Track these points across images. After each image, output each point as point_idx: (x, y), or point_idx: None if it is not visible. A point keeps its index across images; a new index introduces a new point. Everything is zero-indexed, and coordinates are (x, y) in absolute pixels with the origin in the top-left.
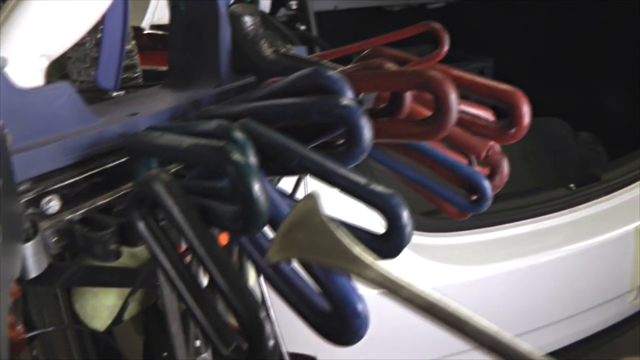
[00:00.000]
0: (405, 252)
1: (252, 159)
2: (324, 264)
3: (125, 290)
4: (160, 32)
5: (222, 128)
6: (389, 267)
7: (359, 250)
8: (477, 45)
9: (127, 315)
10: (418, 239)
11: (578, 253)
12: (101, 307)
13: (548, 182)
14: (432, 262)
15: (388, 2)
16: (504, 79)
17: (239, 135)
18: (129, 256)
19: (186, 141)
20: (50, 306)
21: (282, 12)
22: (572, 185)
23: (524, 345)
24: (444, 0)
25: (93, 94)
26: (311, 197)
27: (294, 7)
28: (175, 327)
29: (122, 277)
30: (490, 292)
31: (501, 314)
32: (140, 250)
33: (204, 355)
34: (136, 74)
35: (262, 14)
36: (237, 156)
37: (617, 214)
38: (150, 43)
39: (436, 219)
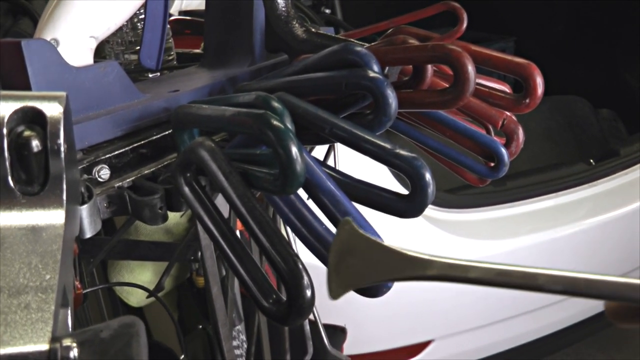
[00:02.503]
0: (430, 228)
1: (290, 125)
2: (386, 280)
3: (160, 267)
4: (187, 18)
5: (261, 98)
6: (417, 244)
7: (413, 253)
8: (499, 26)
9: (161, 292)
10: (443, 215)
11: (598, 226)
12: (137, 282)
13: (569, 158)
14: (457, 238)
15: None
16: (525, 59)
17: (276, 104)
18: (164, 232)
19: (228, 111)
20: (87, 282)
21: None
22: (591, 160)
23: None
24: None
25: (131, 76)
26: (346, 223)
27: None
28: (215, 289)
29: (158, 250)
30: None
31: None
32: (174, 226)
33: (238, 327)
34: (171, 57)
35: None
36: (276, 122)
37: (636, 188)
38: (178, 28)
39: (460, 196)
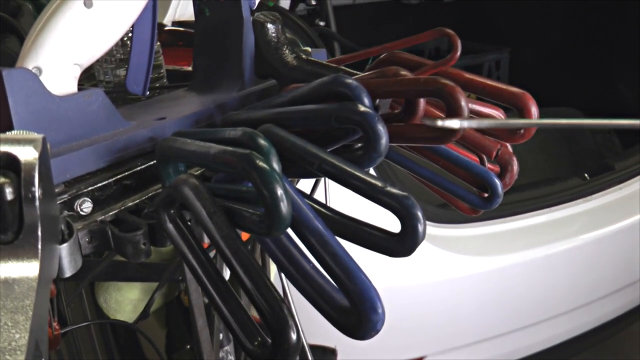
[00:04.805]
0: (423, 243)
1: (276, 166)
2: None
3: (148, 285)
4: (181, 29)
5: (247, 135)
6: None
7: None
8: (494, 36)
9: (151, 309)
10: (435, 230)
11: (593, 242)
12: (125, 301)
13: (563, 172)
14: (450, 254)
15: None
16: (520, 70)
17: (263, 142)
18: (152, 251)
19: (213, 148)
20: (74, 302)
21: (302, 6)
22: (586, 175)
23: None
24: None
25: (119, 95)
26: None
27: (314, 2)
28: (201, 322)
29: (146, 271)
30: (507, 282)
31: (518, 304)
32: None
33: (227, 347)
34: (161, 74)
35: (283, 14)
36: (261, 163)
37: (631, 202)
38: (171, 39)
39: (453, 211)
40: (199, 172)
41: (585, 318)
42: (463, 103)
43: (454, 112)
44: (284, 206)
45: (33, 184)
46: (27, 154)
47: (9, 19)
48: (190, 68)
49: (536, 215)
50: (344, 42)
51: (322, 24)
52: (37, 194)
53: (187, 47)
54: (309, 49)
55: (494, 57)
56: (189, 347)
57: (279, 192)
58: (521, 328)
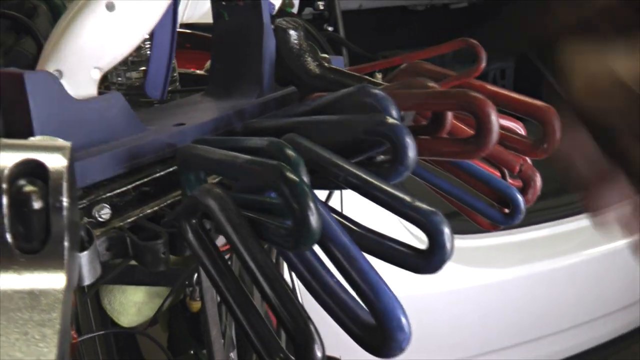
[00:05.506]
0: None
1: (305, 178)
2: None
3: (153, 288)
4: (188, 31)
5: (274, 146)
6: None
7: None
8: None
9: (153, 312)
10: None
11: (597, 257)
12: (129, 303)
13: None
14: (453, 264)
15: (412, 2)
16: (525, 80)
17: (291, 152)
18: None
19: (239, 158)
20: (77, 304)
21: (308, 10)
22: None
23: None
24: (467, 0)
25: (131, 98)
26: None
27: (321, 7)
28: (214, 332)
29: (155, 276)
30: (510, 294)
31: (520, 317)
32: None
33: (231, 354)
34: (174, 78)
35: (304, 25)
36: (291, 175)
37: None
38: (179, 41)
39: (457, 222)
40: (217, 180)
41: (588, 335)
42: (493, 118)
43: (483, 126)
44: (314, 220)
45: (61, 193)
46: (55, 162)
47: (24, 19)
48: (200, 72)
49: (541, 228)
50: (352, 47)
51: (330, 29)
52: (64, 204)
53: (195, 50)
54: (327, 55)
55: (499, 65)
56: (192, 352)
57: (310, 205)
58: (523, 342)
